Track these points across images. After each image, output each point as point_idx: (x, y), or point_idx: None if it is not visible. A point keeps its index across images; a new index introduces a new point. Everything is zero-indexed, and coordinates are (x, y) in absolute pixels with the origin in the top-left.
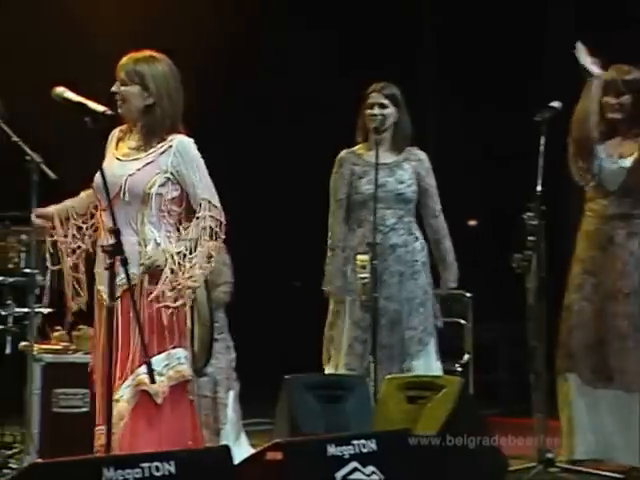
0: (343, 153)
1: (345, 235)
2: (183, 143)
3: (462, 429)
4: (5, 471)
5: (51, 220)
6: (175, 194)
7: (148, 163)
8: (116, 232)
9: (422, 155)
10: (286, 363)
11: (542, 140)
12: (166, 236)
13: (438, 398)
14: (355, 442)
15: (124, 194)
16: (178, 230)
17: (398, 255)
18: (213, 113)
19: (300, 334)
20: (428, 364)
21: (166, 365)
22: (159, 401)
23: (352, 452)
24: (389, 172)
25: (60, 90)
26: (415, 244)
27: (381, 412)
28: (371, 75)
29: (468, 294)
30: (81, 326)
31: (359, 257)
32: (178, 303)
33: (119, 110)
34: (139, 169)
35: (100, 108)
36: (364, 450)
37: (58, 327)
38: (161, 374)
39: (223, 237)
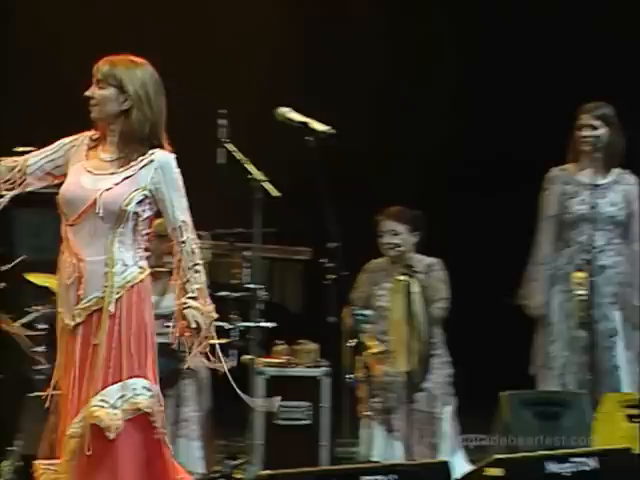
0: (555, 171)
1: (552, 253)
2: (165, 159)
3: None
4: None
5: None
6: (149, 214)
7: (127, 177)
8: (337, 249)
9: (633, 179)
10: (502, 379)
11: None
12: (133, 256)
13: None
14: (575, 460)
15: (99, 209)
16: (146, 251)
17: (607, 276)
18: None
19: (517, 349)
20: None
21: (121, 397)
22: (111, 436)
23: (572, 470)
24: (601, 194)
25: (284, 110)
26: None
27: (600, 430)
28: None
29: None
30: (301, 340)
31: (576, 274)
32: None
33: (91, 114)
34: (117, 183)
35: (322, 127)
36: (585, 468)
37: (280, 341)
38: (115, 407)
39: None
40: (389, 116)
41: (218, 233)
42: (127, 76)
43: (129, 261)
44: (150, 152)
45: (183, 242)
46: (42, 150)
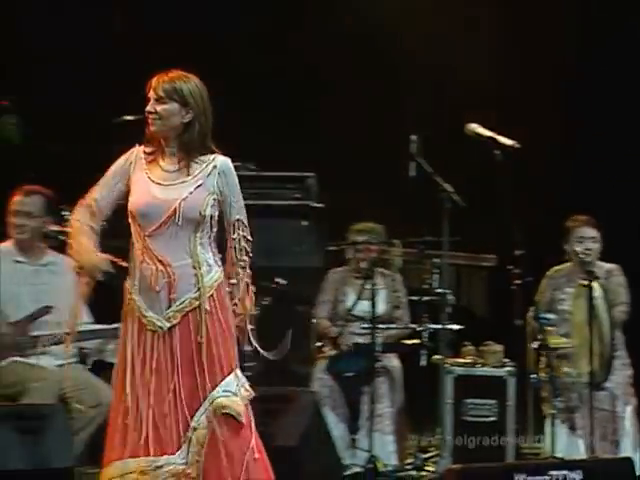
0: None
1: None
2: (226, 164)
3: None
4: (422, 473)
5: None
6: (217, 214)
7: (198, 186)
8: (522, 256)
9: None
10: None
11: None
12: (212, 257)
13: None
14: None
15: (179, 218)
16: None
17: None
18: None
19: None
20: None
21: (237, 385)
22: (243, 420)
23: None
24: None
25: (473, 126)
26: None
27: None
28: None
29: None
30: (487, 341)
31: None
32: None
33: (153, 129)
34: (191, 192)
35: (509, 142)
36: None
37: (467, 342)
38: (236, 394)
39: (250, 255)
40: (574, 125)
41: (409, 241)
42: (187, 90)
43: (211, 262)
44: (211, 157)
45: (234, 239)
46: (102, 181)
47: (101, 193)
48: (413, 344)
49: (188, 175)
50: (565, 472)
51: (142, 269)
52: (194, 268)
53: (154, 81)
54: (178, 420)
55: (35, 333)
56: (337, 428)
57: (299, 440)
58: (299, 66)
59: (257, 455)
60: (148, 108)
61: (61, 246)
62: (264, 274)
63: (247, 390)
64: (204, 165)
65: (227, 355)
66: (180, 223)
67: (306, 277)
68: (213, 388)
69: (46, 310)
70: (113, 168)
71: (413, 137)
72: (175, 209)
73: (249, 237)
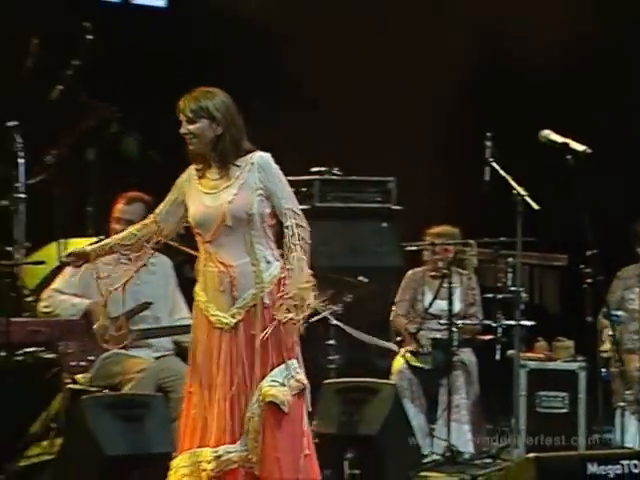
0: None
1: None
2: (263, 158)
3: None
4: (497, 461)
5: (86, 257)
6: (269, 210)
7: (241, 186)
8: (594, 256)
9: None
10: None
11: None
12: (271, 253)
13: None
14: None
15: (228, 220)
16: (276, 243)
17: None
18: None
19: None
20: None
21: (286, 375)
22: (286, 410)
23: None
24: None
25: (546, 132)
26: None
27: None
28: None
29: None
30: (559, 337)
31: None
32: (301, 316)
33: (191, 147)
34: (236, 194)
35: (581, 147)
36: None
37: (540, 338)
38: (283, 385)
39: (309, 241)
40: None
41: (484, 242)
42: (213, 106)
43: (270, 258)
44: (249, 157)
45: (287, 227)
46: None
47: (160, 208)
48: (488, 339)
49: (230, 179)
50: (636, 462)
51: (206, 272)
52: (253, 265)
53: (181, 103)
54: (241, 411)
55: (135, 327)
56: (416, 418)
57: (380, 429)
58: (386, 77)
59: (307, 451)
60: (182, 130)
61: (163, 247)
62: (347, 273)
63: (298, 381)
64: (243, 165)
65: (279, 346)
66: (231, 225)
67: (386, 276)
68: (263, 378)
69: (145, 306)
70: (174, 185)
71: (488, 143)
72: (224, 214)
73: (302, 224)
